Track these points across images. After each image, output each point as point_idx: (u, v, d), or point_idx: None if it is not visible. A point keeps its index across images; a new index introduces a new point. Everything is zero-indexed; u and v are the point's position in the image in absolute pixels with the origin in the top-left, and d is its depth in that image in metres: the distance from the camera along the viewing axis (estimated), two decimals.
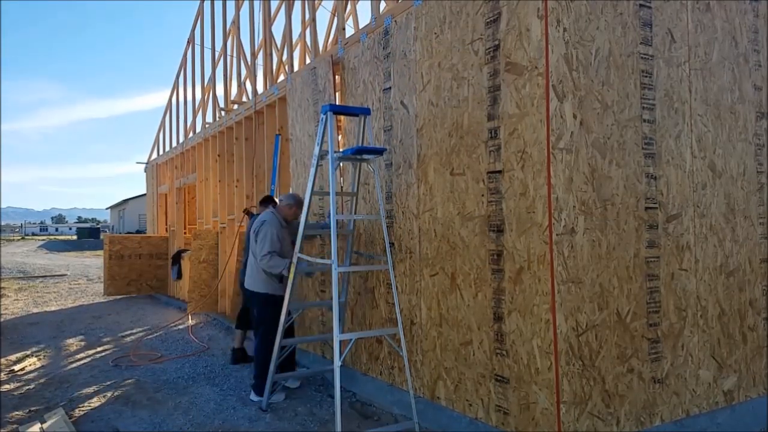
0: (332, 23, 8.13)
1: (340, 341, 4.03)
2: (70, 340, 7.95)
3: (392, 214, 4.77)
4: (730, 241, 4.22)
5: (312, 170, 4.62)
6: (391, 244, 4.76)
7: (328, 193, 4.30)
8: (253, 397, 5.07)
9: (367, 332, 4.74)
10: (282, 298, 4.85)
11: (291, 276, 4.74)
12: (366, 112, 4.64)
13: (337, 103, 5.60)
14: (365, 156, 4.52)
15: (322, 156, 4.55)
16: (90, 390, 5.51)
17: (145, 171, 15.32)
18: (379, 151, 4.49)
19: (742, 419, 4.15)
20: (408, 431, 4.13)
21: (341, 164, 5.21)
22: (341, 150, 4.91)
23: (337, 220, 4.28)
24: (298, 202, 5.26)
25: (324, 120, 4.40)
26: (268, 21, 8.05)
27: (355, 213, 5.01)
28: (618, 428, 3.50)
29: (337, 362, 3.95)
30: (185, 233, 12.32)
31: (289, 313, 4.84)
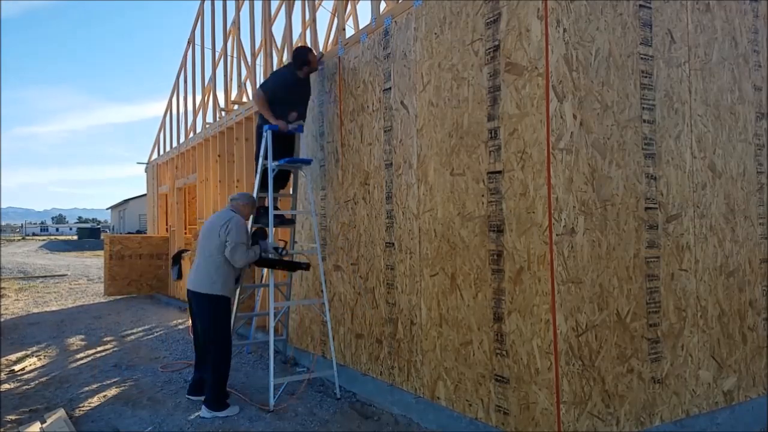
0: (332, 23, 8.13)
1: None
2: (71, 340, 7.96)
3: (392, 214, 4.77)
4: (730, 242, 4.23)
5: (269, 174, 5.51)
6: (391, 244, 4.77)
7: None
8: (207, 413, 4.61)
9: (300, 301, 6.16)
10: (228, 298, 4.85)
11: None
12: (299, 130, 5.84)
13: (337, 102, 5.63)
14: (297, 164, 5.79)
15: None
16: (90, 389, 5.51)
17: (146, 171, 15.32)
18: (307, 162, 5.83)
19: (742, 419, 4.16)
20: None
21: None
22: (279, 161, 5.61)
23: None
24: (251, 201, 5.33)
25: (266, 137, 5.55)
26: (268, 21, 8.05)
27: (294, 210, 6.18)
28: (618, 428, 3.50)
29: (272, 334, 5.13)
30: (185, 233, 12.32)
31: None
